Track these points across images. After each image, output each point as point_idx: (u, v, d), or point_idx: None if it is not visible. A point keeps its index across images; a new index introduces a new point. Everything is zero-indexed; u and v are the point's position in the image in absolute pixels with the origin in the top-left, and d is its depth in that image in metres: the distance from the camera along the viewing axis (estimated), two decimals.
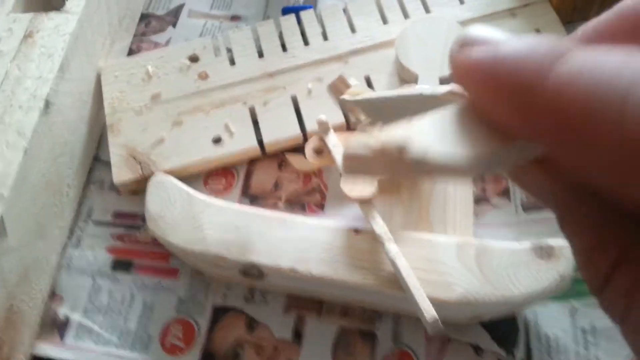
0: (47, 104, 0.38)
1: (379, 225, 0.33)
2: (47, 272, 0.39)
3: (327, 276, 0.34)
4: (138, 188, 0.42)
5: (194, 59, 0.45)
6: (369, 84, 0.44)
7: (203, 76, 0.44)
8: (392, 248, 0.32)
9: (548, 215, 0.39)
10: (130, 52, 0.49)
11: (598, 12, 0.14)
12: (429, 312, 0.30)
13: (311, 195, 0.42)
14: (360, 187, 0.35)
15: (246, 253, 0.35)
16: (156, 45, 0.50)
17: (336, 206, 0.41)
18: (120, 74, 0.44)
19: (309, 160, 0.38)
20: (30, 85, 0.38)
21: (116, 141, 0.42)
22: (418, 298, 0.30)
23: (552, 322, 0.37)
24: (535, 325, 0.37)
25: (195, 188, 0.42)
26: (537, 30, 0.45)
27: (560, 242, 0.34)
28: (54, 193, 0.39)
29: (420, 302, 0.30)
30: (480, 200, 0.41)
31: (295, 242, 0.35)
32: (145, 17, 0.52)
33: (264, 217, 0.36)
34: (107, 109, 0.43)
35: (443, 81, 0.41)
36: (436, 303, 0.32)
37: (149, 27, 0.51)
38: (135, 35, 0.50)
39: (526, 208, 0.40)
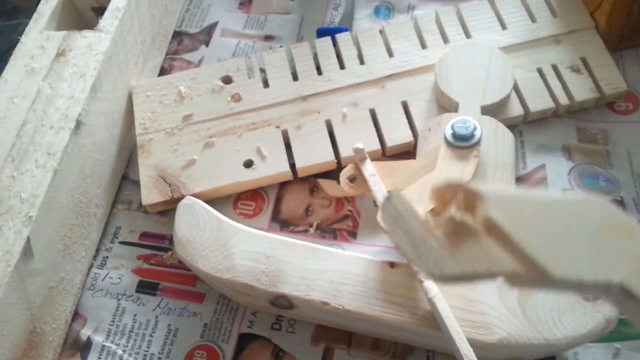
0: (78, 124, 0.37)
1: None
2: (71, 292, 0.38)
3: (360, 311, 0.33)
4: (167, 209, 0.41)
5: (227, 80, 0.44)
6: (406, 110, 0.42)
7: (236, 98, 0.43)
8: (432, 287, 0.31)
9: None
10: (162, 71, 0.49)
11: None
12: (470, 358, 0.28)
13: (343, 222, 0.41)
14: None
15: (277, 284, 0.34)
16: (188, 64, 0.49)
17: (369, 234, 0.40)
18: (152, 94, 0.44)
19: (344, 189, 0.37)
20: (61, 105, 0.38)
21: (146, 162, 0.41)
22: (458, 343, 0.29)
23: None
24: None
25: (224, 210, 0.41)
26: (583, 59, 0.43)
27: None
28: (82, 214, 0.38)
29: (460, 347, 0.29)
30: None
31: (328, 274, 0.34)
32: (177, 35, 0.51)
33: (295, 247, 0.35)
34: (138, 129, 0.42)
35: (485, 110, 0.39)
36: (476, 345, 0.30)
37: (182, 45, 0.50)
38: (167, 54, 0.50)
39: None
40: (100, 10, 0.44)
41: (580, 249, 0.18)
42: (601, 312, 0.32)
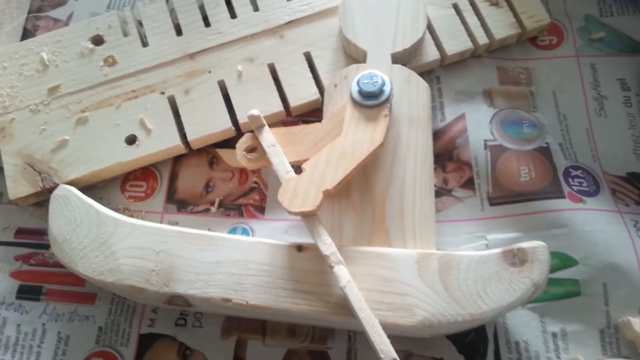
0: None
1: (326, 245, 0.28)
2: None
3: (267, 305, 0.29)
4: (40, 201, 0.35)
5: (97, 40, 0.38)
6: (310, 62, 0.38)
7: (110, 62, 0.38)
8: (343, 275, 0.27)
9: (517, 210, 0.35)
10: (26, 33, 0.42)
11: None
12: (386, 352, 0.25)
13: (249, 196, 0.37)
14: (301, 199, 0.29)
15: (169, 283, 0.29)
16: (56, 22, 0.42)
17: (279, 207, 0.36)
18: (10, 64, 0.37)
19: (242, 163, 0.32)
20: None
21: (9, 148, 0.35)
22: (373, 336, 0.26)
23: (522, 328, 0.33)
24: (504, 333, 0.33)
25: (110, 196, 0.36)
26: None
27: (533, 244, 0.30)
28: None
29: (375, 341, 0.26)
30: (441, 193, 0.36)
31: (228, 266, 0.30)
32: None
33: (188, 237, 0.30)
34: None
35: (396, 58, 0.35)
36: (396, 329, 0.27)
37: (46, 0, 0.43)
38: (30, 12, 0.43)
39: (492, 201, 0.35)
40: None
41: None
42: (529, 277, 0.29)
